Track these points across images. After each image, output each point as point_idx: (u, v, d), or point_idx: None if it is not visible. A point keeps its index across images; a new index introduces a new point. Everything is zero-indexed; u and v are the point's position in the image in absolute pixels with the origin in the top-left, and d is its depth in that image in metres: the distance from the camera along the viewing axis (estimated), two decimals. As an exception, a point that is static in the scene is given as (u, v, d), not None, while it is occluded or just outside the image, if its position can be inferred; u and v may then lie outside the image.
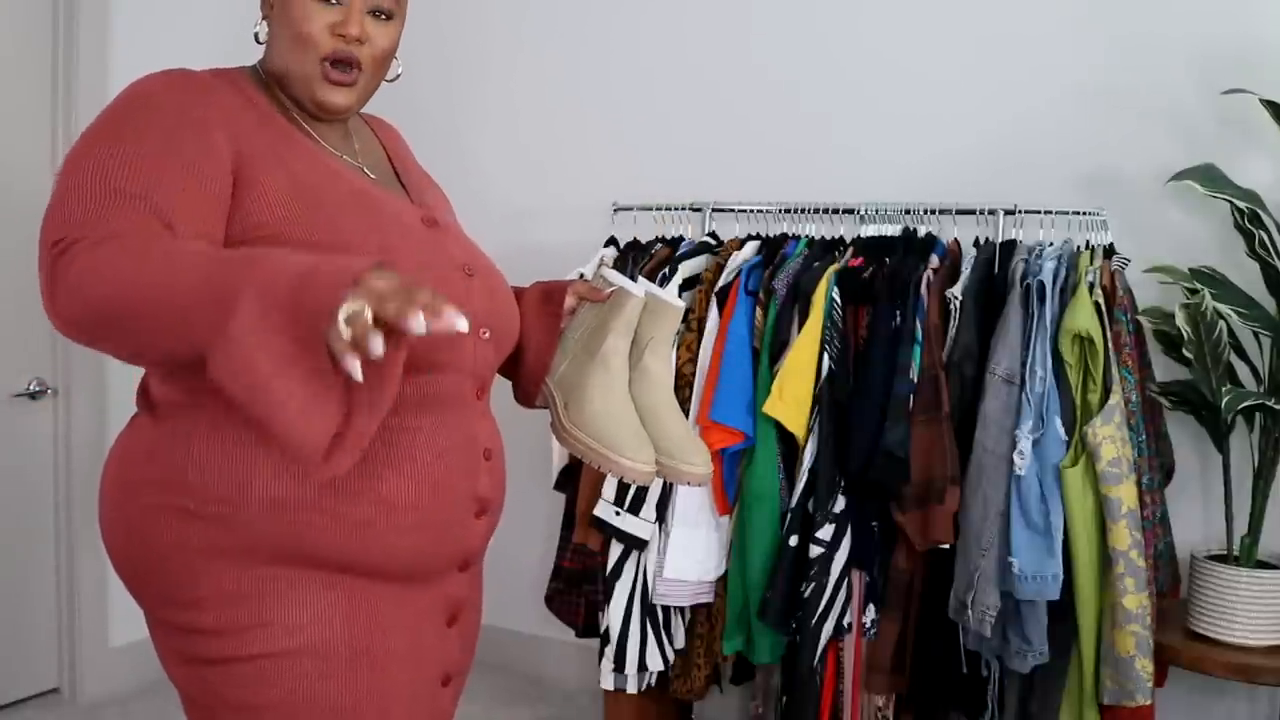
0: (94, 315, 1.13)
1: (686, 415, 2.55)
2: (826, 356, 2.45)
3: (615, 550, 2.63)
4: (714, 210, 2.93)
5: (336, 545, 1.27)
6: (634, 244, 2.89)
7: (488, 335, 1.41)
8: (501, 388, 1.53)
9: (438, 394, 1.33)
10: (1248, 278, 2.35)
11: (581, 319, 1.56)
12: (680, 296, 2.62)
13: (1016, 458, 2.25)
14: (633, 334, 1.54)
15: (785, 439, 2.50)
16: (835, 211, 2.74)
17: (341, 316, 0.98)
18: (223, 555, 1.25)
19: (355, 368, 0.99)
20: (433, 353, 1.29)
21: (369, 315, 0.98)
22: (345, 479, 1.24)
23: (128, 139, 1.24)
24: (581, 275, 2.24)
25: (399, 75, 1.46)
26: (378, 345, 0.97)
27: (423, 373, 1.30)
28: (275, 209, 1.27)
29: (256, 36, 1.41)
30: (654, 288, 1.58)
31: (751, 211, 2.90)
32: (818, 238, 2.73)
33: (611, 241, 2.92)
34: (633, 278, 1.66)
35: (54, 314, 1.17)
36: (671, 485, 2.59)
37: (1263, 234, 2.26)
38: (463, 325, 1.00)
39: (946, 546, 2.37)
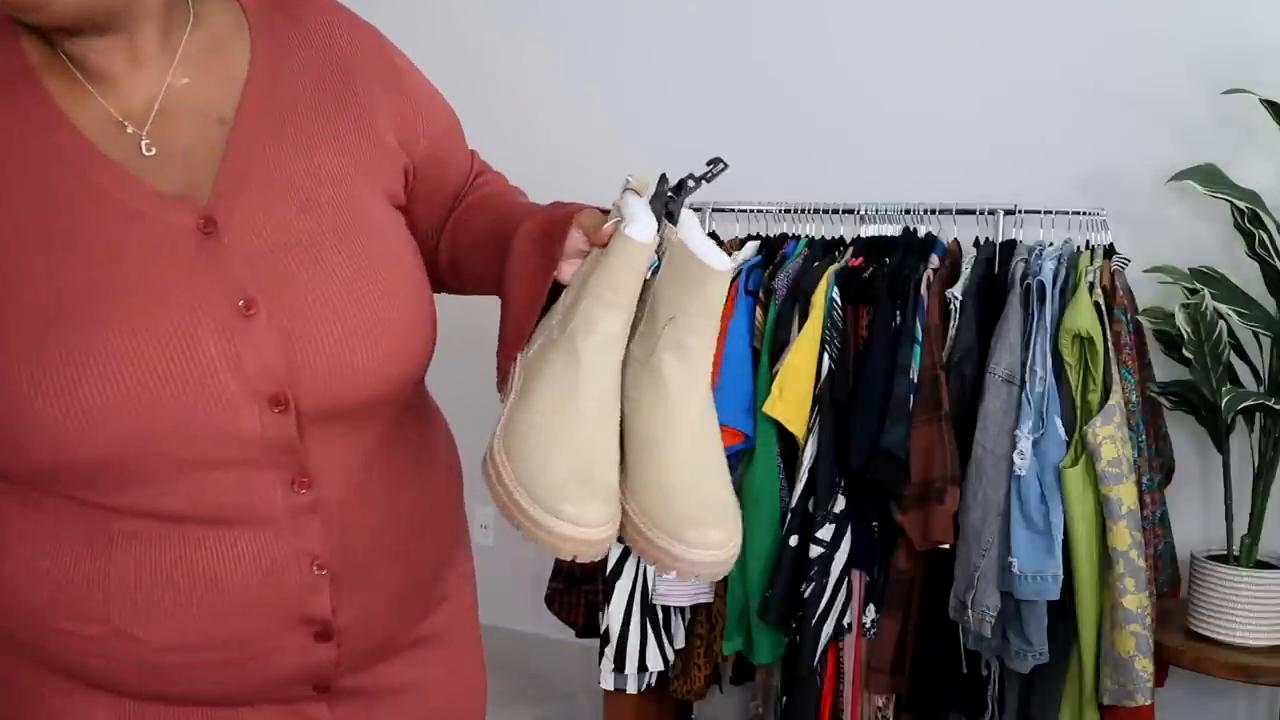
0: None
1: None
2: (826, 356, 2.45)
3: (615, 550, 2.62)
4: (714, 210, 2.93)
5: (81, 663, 0.94)
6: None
7: (281, 410, 0.91)
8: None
9: (214, 497, 0.91)
10: (1248, 278, 2.35)
11: (583, 271, 0.98)
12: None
13: (1016, 458, 2.25)
14: (633, 304, 0.94)
15: (785, 439, 2.49)
16: (835, 211, 2.74)
17: None
18: None
19: None
20: (186, 446, 0.88)
21: None
22: (72, 599, 0.91)
23: None
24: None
25: None
26: None
27: (188, 471, 0.90)
28: None
29: None
30: (691, 230, 0.96)
31: (751, 211, 2.89)
32: (818, 238, 2.73)
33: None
34: (671, 217, 0.99)
35: None
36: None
37: (1263, 234, 2.26)
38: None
39: (946, 546, 2.37)
